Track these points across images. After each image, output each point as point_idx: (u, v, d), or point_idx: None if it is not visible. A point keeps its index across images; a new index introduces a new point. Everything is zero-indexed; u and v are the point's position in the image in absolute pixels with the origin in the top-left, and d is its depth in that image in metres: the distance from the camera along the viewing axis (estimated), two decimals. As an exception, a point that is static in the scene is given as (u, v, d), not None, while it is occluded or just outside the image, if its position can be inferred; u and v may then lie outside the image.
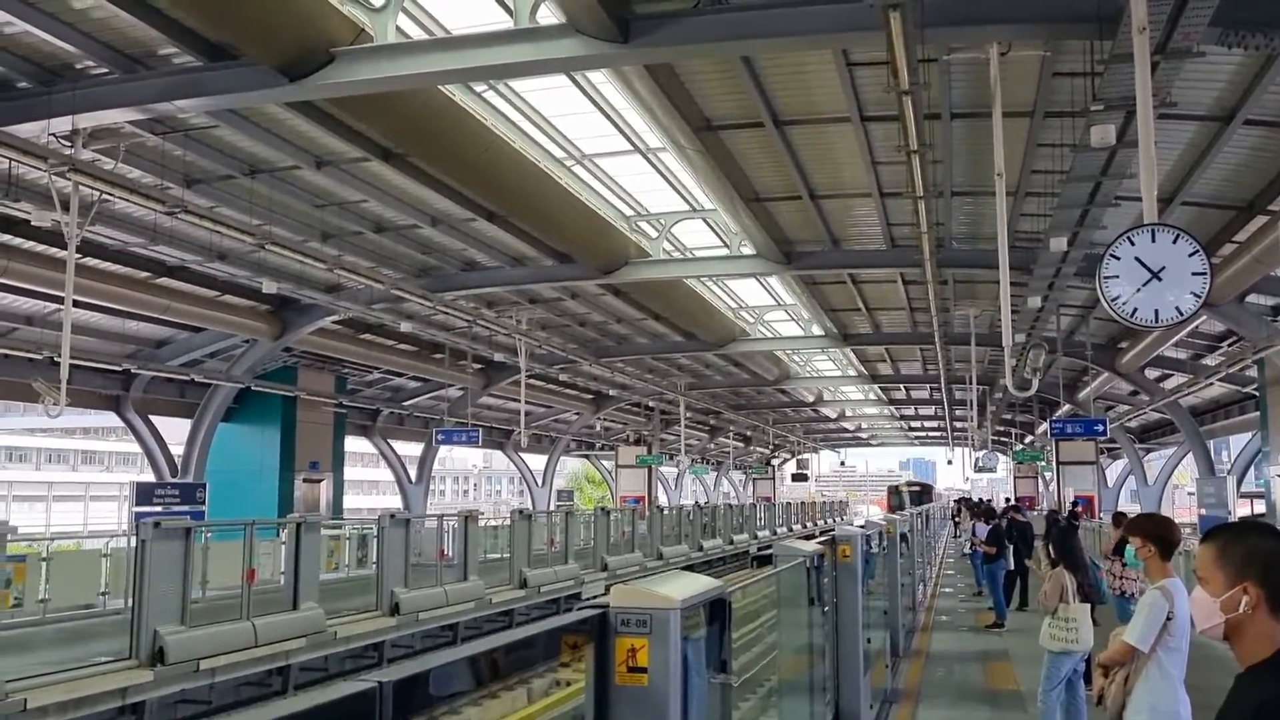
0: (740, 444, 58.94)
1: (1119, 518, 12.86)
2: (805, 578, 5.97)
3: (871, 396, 48.38)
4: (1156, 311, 6.60)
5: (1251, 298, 19.24)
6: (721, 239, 20.60)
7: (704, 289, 25.26)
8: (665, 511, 29.73)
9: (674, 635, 2.79)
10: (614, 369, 31.99)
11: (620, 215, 19.08)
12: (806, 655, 6.12)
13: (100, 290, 18.37)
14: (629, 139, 15.25)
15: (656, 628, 2.78)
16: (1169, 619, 4.77)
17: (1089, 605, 7.94)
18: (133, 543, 11.00)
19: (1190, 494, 47.66)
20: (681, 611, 2.84)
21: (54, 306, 19.87)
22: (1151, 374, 30.19)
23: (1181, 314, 6.59)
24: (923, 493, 60.37)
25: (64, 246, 13.53)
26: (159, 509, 21.09)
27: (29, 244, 16.77)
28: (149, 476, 25.73)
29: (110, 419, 28.35)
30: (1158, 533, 5.15)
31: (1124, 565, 10.81)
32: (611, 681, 2.79)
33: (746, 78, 12.31)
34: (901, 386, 43.90)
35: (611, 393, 39.47)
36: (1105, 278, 6.64)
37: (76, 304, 15.78)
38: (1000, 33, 10.20)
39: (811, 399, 49.11)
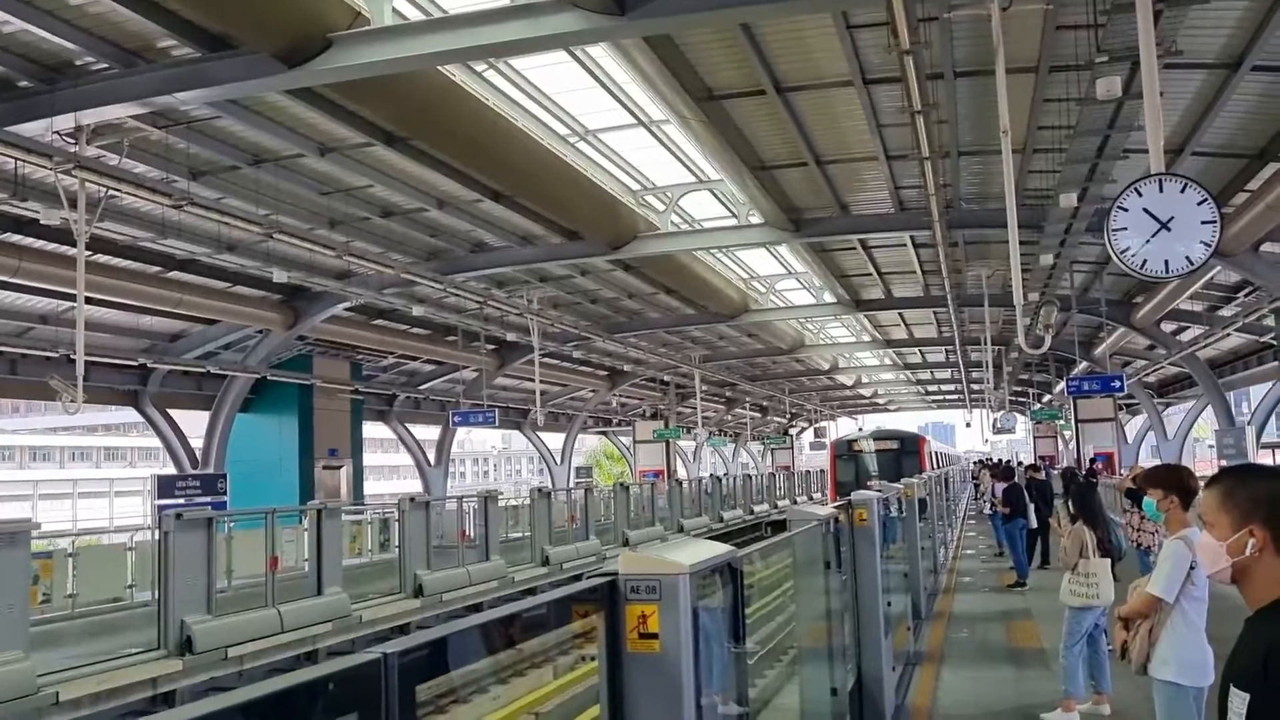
0: (757, 414, 58.89)
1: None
2: (821, 542, 5.98)
3: (887, 362, 48.24)
4: (1166, 262, 6.56)
5: (1266, 246, 18.99)
6: (729, 209, 20.50)
7: (714, 260, 25.17)
8: (684, 485, 29.82)
9: (684, 601, 2.79)
10: (627, 344, 31.99)
11: (626, 190, 19.01)
12: (826, 620, 6.14)
13: (112, 286, 18.43)
14: (632, 112, 15.17)
15: (666, 593, 2.78)
16: (1191, 568, 4.75)
17: (1109, 560, 7.93)
18: (156, 535, 11.10)
19: (1210, 446, 47.34)
20: (691, 577, 2.84)
21: (67, 304, 19.97)
22: (1168, 327, 29.98)
23: (1192, 263, 6.54)
24: (903, 451, 35.75)
25: (74, 244, 13.59)
26: (181, 501, 21.24)
27: (39, 243, 16.85)
28: (170, 470, 25.91)
29: (130, 415, 28.51)
30: (1178, 482, 5.12)
31: (1143, 518, 10.79)
32: (624, 649, 2.79)
33: (746, 45, 12.21)
34: (917, 350, 43.77)
35: (626, 368, 39.45)
36: (1113, 230, 6.61)
37: (89, 301, 15.86)
38: (1001, -13, 10.06)
39: (827, 366, 49.01)
